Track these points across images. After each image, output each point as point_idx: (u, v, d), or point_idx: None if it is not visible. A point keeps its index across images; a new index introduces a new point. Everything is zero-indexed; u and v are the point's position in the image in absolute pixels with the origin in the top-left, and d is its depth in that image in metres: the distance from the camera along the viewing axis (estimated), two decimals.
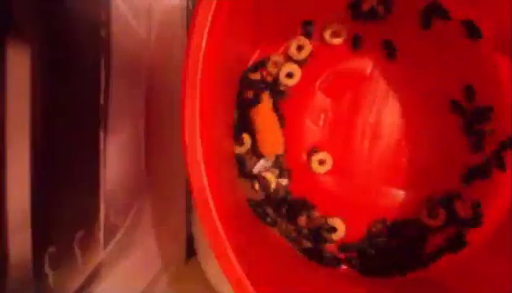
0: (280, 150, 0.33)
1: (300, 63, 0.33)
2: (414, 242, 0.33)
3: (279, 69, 0.33)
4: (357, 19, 0.33)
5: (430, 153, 0.34)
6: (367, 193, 0.34)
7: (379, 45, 0.33)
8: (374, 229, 0.34)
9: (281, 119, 0.33)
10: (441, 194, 0.33)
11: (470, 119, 0.33)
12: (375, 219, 0.34)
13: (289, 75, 0.33)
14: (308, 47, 0.33)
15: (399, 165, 0.34)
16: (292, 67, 0.33)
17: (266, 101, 0.32)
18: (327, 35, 0.33)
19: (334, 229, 0.33)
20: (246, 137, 0.32)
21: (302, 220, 0.33)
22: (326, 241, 0.33)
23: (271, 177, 0.33)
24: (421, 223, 0.33)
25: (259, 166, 0.33)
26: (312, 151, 0.34)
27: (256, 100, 0.32)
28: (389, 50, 0.33)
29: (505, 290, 0.28)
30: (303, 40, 0.33)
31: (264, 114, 0.32)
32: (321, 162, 0.33)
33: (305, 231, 0.33)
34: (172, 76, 0.33)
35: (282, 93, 0.33)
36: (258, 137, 0.32)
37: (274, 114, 0.33)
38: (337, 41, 0.33)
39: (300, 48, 0.33)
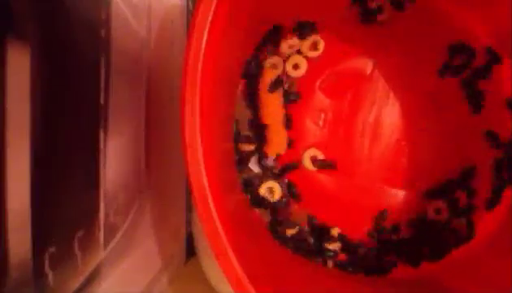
0: (283, 150, 0.33)
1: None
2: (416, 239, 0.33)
3: (286, 60, 0.33)
4: (361, 20, 0.33)
5: (430, 153, 0.34)
6: (367, 193, 0.34)
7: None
8: (375, 229, 0.34)
9: (289, 121, 0.33)
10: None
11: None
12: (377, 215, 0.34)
13: (295, 66, 0.33)
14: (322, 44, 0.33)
15: (399, 165, 0.34)
16: (299, 59, 0.33)
17: (278, 99, 0.32)
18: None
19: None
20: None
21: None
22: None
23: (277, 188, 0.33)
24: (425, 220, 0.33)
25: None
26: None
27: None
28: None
29: (505, 291, 0.28)
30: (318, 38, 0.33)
31: (274, 112, 0.32)
32: (313, 159, 0.33)
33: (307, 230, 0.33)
34: (172, 75, 0.33)
35: (295, 95, 0.33)
36: (267, 135, 0.32)
37: (283, 113, 0.33)
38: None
39: (314, 46, 0.33)
